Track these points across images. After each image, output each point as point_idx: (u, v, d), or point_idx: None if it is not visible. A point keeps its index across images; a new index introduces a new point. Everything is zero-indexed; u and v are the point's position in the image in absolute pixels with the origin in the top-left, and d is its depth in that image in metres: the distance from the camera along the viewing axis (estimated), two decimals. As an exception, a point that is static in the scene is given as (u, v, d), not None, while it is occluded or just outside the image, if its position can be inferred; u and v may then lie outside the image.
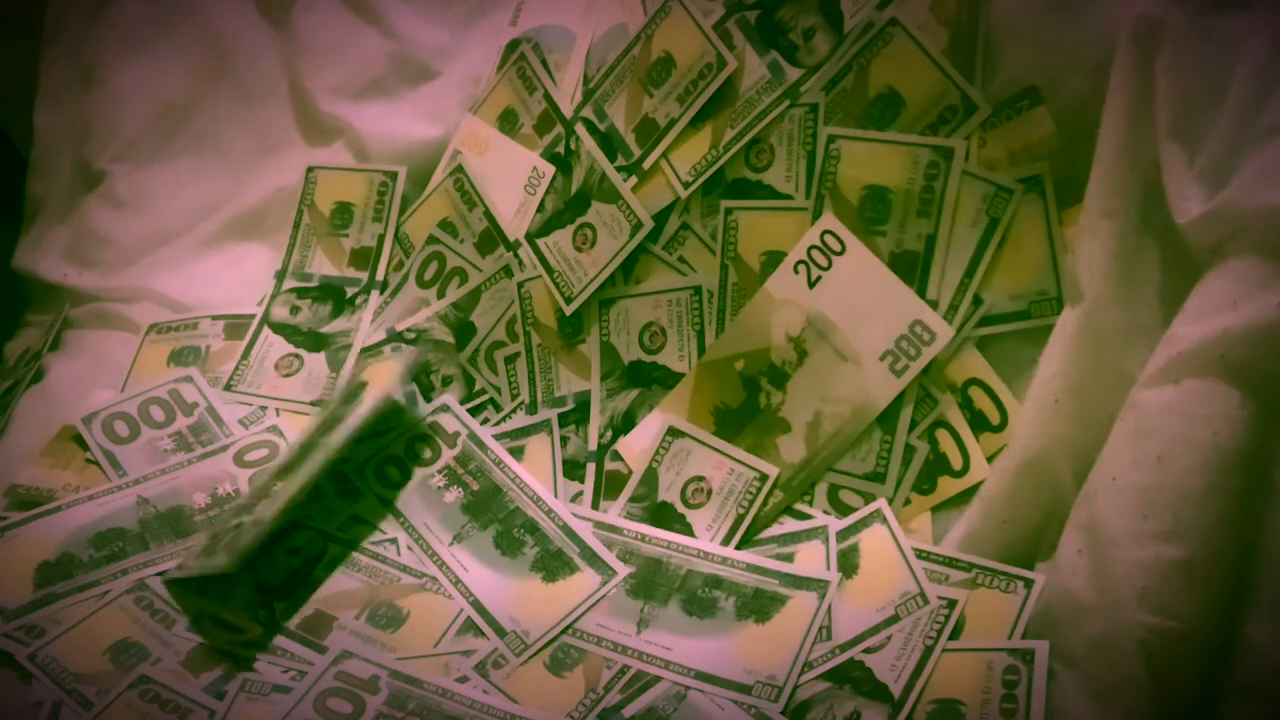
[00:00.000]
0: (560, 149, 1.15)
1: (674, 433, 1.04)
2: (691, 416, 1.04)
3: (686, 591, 0.95)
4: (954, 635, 0.86)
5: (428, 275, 1.18)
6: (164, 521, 1.01)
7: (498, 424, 1.12)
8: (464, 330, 1.16)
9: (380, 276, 1.21)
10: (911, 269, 0.97)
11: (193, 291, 1.25)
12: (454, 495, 1.05)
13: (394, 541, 1.02)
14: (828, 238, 0.99)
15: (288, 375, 1.17)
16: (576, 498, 1.06)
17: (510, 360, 1.14)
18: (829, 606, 0.91)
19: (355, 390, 1.08)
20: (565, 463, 1.08)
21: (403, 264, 1.20)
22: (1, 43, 1.41)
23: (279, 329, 1.20)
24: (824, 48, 1.02)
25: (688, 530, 1.00)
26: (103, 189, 1.31)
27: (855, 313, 0.98)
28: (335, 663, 0.88)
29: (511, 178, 1.17)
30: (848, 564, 0.94)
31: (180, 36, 1.33)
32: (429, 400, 1.11)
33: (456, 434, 1.09)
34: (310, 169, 1.26)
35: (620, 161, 1.10)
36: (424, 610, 0.96)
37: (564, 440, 1.09)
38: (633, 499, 1.04)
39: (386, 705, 0.85)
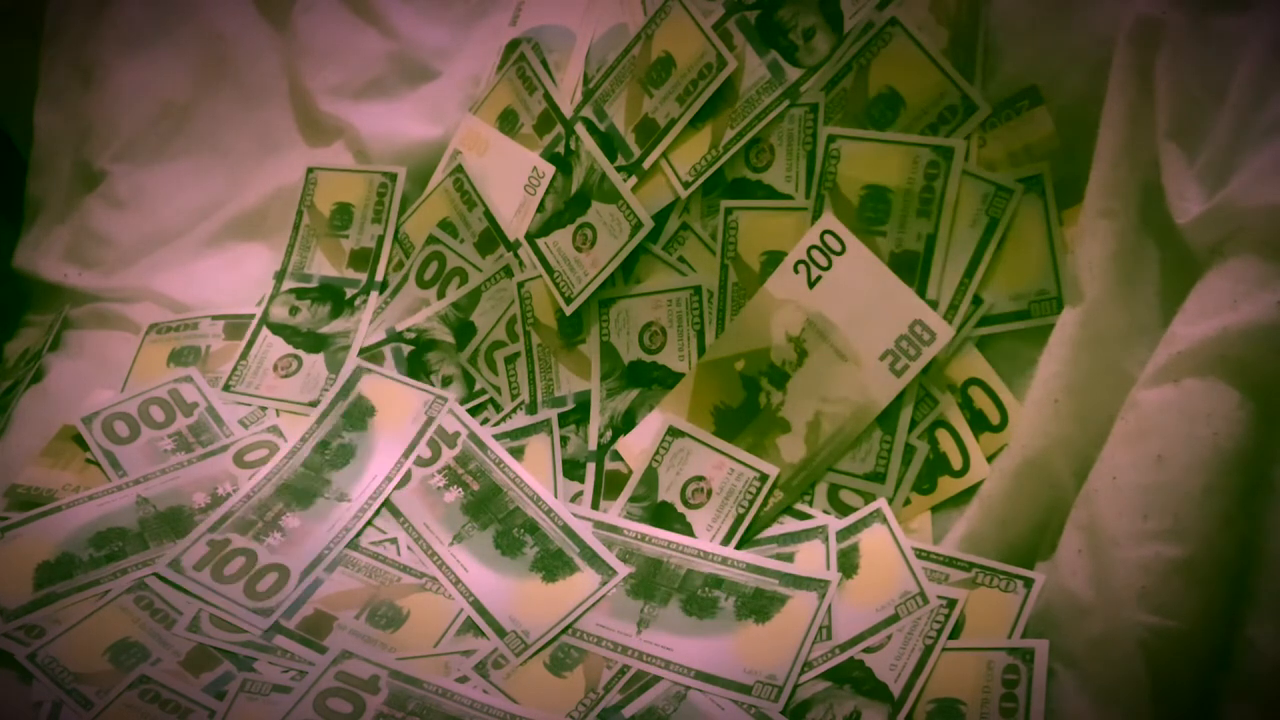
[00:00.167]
0: (560, 149, 1.15)
1: (674, 433, 1.04)
2: (691, 416, 1.04)
3: (686, 591, 0.95)
4: (954, 635, 0.86)
5: (428, 275, 1.18)
6: (164, 521, 1.01)
7: (498, 424, 1.12)
8: (464, 330, 1.16)
9: (379, 277, 1.21)
10: (911, 269, 0.97)
11: (193, 291, 1.25)
12: (454, 495, 1.05)
13: (394, 541, 1.02)
14: (828, 238, 0.99)
15: (286, 376, 1.17)
16: (576, 498, 1.06)
17: (510, 360, 1.14)
18: (829, 606, 0.91)
19: (361, 414, 1.09)
20: (565, 463, 1.08)
21: (402, 264, 1.20)
22: (1, 43, 1.41)
23: (278, 330, 1.20)
24: (824, 48, 1.02)
25: (688, 530, 1.00)
26: (103, 189, 1.31)
27: (855, 313, 0.98)
28: (335, 663, 0.88)
29: (511, 178, 1.17)
30: (848, 564, 0.94)
31: (180, 36, 1.33)
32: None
33: (456, 434, 1.09)
34: (310, 170, 1.26)
35: (620, 161, 1.10)
36: (424, 610, 0.96)
37: (564, 440, 1.09)
38: (633, 499, 1.04)
39: (386, 705, 0.85)
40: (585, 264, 1.10)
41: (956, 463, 0.95)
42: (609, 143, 1.11)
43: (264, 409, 1.14)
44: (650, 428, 1.06)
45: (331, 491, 1.05)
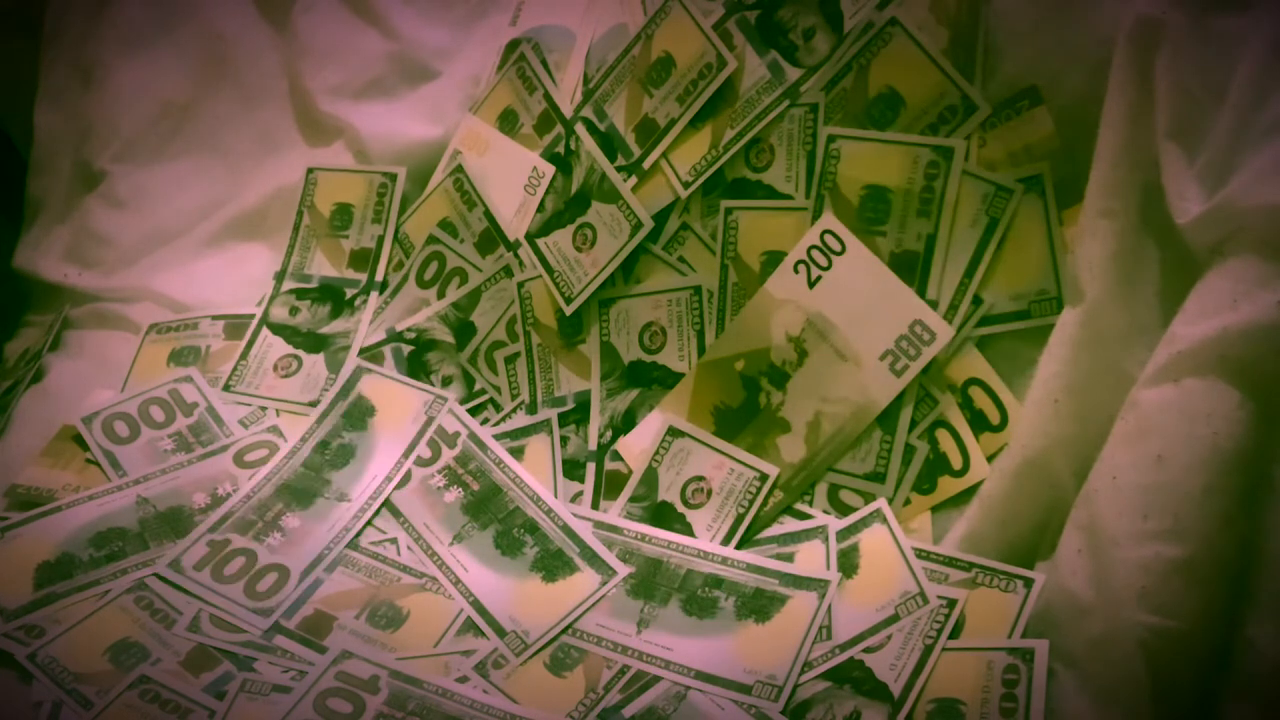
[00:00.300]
0: (560, 149, 1.15)
1: (674, 433, 1.04)
2: (691, 416, 1.04)
3: (686, 591, 0.95)
4: (954, 635, 0.86)
5: (428, 275, 1.18)
6: (164, 521, 1.01)
7: (498, 424, 1.12)
8: (464, 330, 1.16)
9: (379, 277, 1.21)
10: (911, 269, 0.97)
11: (193, 291, 1.25)
12: (454, 495, 1.05)
13: (394, 541, 1.02)
14: (828, 238, 0.99)
15: (286, 376, 1.17)
16: (576, 498, 1.06)
17: (510, 360, 1.14)
18: (829, 606, 0.91)
19: (361, 414, 1.09)
20: (565, 463, 1.08)
21: (403, 264, 1.20)
22: (1, 43, 1.41)
23: (278, 330, 1.20)
24: (824, 48, 1.02)
25: (688, 530, 1.00)
26: (103, 189, 1.31)
27: (855, 313, 0.98)
28: (335, 663, 0.88)
29: (511, 178, 1.17)
30: (848, 564, 0.94)
31: (180, 36, 1.33)
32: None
33: (456, 434, 1.09)
34: (310, 170, 1.26)
35: (620, 161, 1.10)
36: (424, 610, 0.96)
37: (564, 440, 1.09)
38: (633, 499, 1.04)
39: (386, 705, 0.85)
40: (585, 264, 1.10)
41: (956, 463, 0.95)
42: (609, 143, 1.11)
43: (264, 409, 1.14)
44: (650, 428, 1.06)
45: (331, 491, 1.05)
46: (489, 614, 0.95)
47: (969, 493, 0.94)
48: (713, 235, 1.05)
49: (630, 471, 1.05)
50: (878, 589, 0.91)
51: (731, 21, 1.06)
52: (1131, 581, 0.77)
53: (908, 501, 0.97)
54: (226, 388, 1.16)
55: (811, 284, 1.00)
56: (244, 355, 1.18)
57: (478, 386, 1.15)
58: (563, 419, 1.10)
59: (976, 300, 0.95)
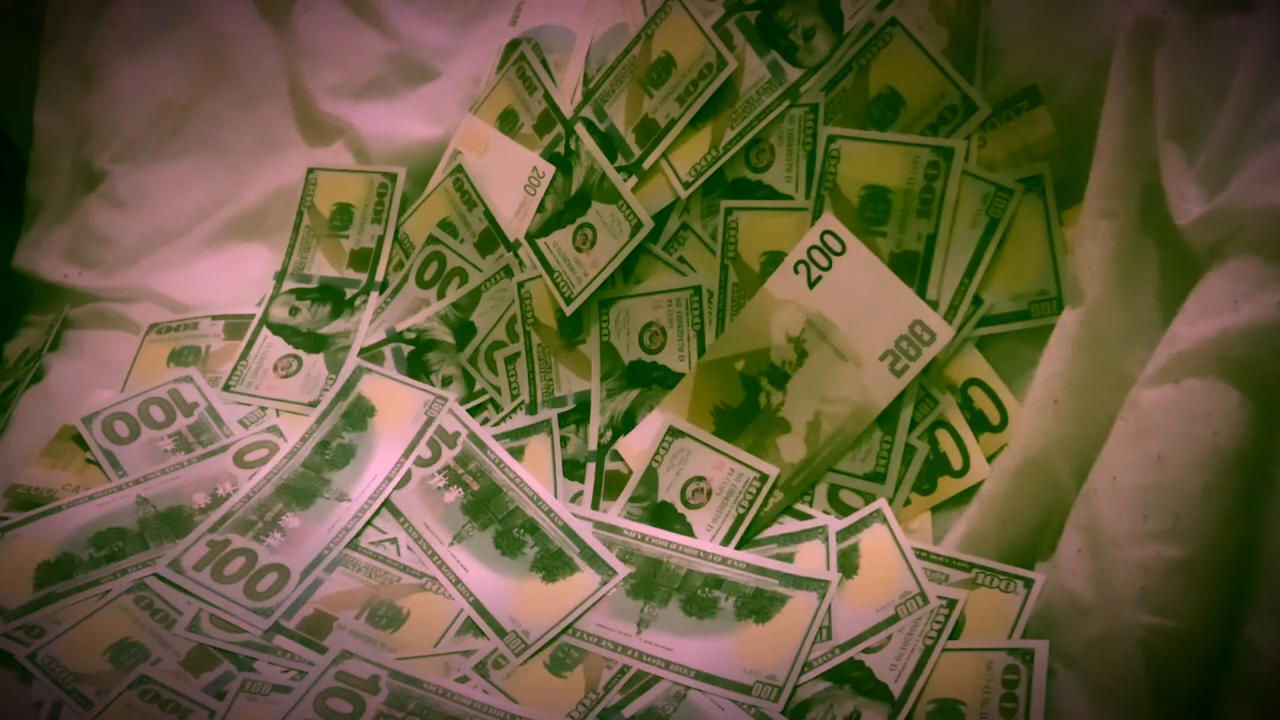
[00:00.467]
0: (560, 149, 1.15)
1: (674, 433, 1.04)
2: (691, 416, 1.04)
3: (686, 591, 0.95)
4: (954, 635, 0.86)
5: (428, 275, 1.18)
6: (164, 521, 1.01)
7: (498, 424, 1.12)
8: (464, 330, 1.16)
9: (379, 278, 1.21)
10: (911, 269, 0.97)
11: (193, 291, 1.25)
12: (454, 495, 1.05)
13: (394, 541, 1.02)
14: (828, 238, 0.99)
15: (286, 376, 1.17)
16: (576, 498, 1.06)
17: (510, 360, 1.14)
18: (829, 606, 0.91)
19: (361, 414, 1.09)
20: (565, 463, 1.08)
21: (402, 264, 1.20)
22: (1, 43, 1.41)
23: (278, 330, 1.20)
24: (824, 48, 1.02)
25: (688, 530, 1.00)
26: (103, 189, 1.31)
27: (855, 313, 0.98)
28: (335, 663, 0.88)
29: (511, 178, 1.17)
30: (848, 564, 0.94)
31: (180, 37, 1.34)
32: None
33: (456, 434, 1.09)
34: (310, 170, 1.26)
35: (620, 161, 1.10)
36: (424, 610, 0.96)
37: (564, 440, 1.09)
38: (633, 499, 1.04)
39: (386, 705, 0.85)
40: (585, 264, 1.10)
41: (956, 463, 0.95)
42: (609, 143, 1.11)
43: (264, 409, 1.14)
44: (650, 428, 1.06)
45: (331, 491, 1.05)
46: (489, 614, 0.95)
47: (969, 493, 0.94)
48: (713, 235, 1.05)
49: (630, 471, 1.05)
50: (878, 589, 0.91)
51: (731, 21, 1.06)
52: (1131, 581, 0.77)
53: (908, 502, 0.97)
54: (226, 388, 1.16)
55: (811, 284, 1.00)
56: (244, 355, 1.18)
57: (478, 386, 1.15)
58: (563, 419, 1.10)
59: (976, 300, 0.95)
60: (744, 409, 1.02)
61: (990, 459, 0.93)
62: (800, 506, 1.00)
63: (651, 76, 1.09)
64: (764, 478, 1.00)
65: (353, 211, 1.24)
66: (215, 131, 1.32)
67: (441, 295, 1.17)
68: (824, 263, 0.99)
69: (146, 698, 0.85)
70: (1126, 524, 0.78)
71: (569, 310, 1.10)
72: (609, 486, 1.06)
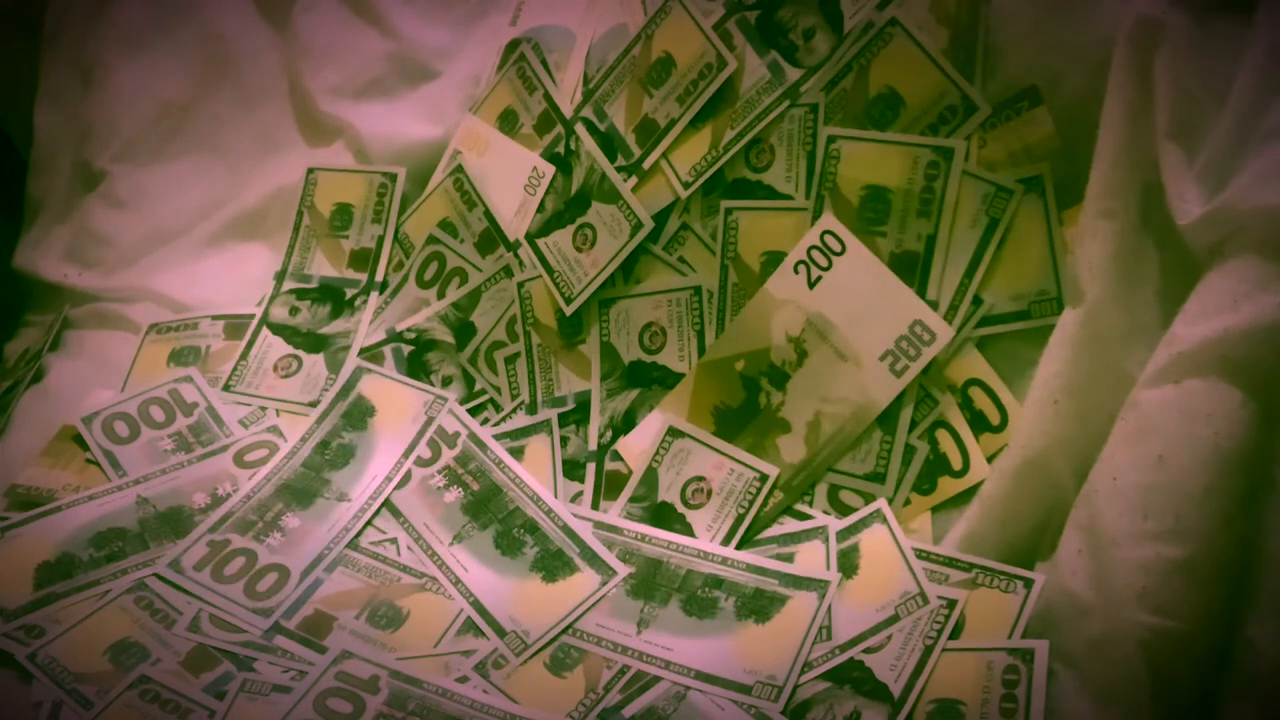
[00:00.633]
0: (560, 149, 1.15)
1: (674, 433, 1.04)
2: (691, 416, 1.04)
3: (686, 591, 0.95)
4: (954, 635, 0.86)
5: (428, 275, 1.18)
6: (164, 521, 1.01)
7: (498, 424, 1.12)
8: (464, 330, 1.16)
9: (379, 277, 1.21)
10: (911, 269, 0.97)
11: (193, 291, 1.25)
12: (454, 495, 1.05)
13: (394, 541, 1.02)
14: (828, 238, 0.99)
15: (286, 376, 1.17)
16: (576, 498, 1.06)
17: (510, 360, 1.14)
18: (829, 606, 0.91)
19: (361, 414, 1.09)
20: (565, 463, 1.08)
21: (402, 264, 1.20)
22: (1, 43, 1.41)
23: (278, 330, 1.20)
24: (824, 48, 1.02)
25: (688, 530, 1.00)
26: (103, 189, 1.31)
27: (855, 313, 0.98)
28: (335, 663, 0.88)
29: (511, 178, 1.17)
30: (848, 564, 0.94)
31: (180, 37, 1.34)
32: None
33: (456, 434, 1.09)
34: (310, 170, 1.26)
35: (620, 161, 1.10)
36: (424, 610, 0.96)
37: (564, 440, 1.09)
38: (633, 499, 1.04)
39: (386, 705, 0.85)
40: (585, 264, 1.10)
41: (956, 463, 0.95)
42: (609, 143, 1.11)
43: (264, 409, 1.14)
44: (650, 428, 1.06)
45: (331, 491, 1.05)
46: (489, 614, 0.95)
47: (969, 493, 0.94)
48: (713, 235, 1.05)
49: (630, 472, 1.05)
50: (878, 589, 0.91)
51: (731, 21, 1.06)
52: (1132, 582, 0.77)
53: (908, 502, 0.97)
54: (226, 388, 1.16)
55: (811, 284, 1.00)
56: (244, 355, 1.18)
57: (478, 386, 1.15)
58: (563, 419, 1.10)
59: (976, 300, 0.95)
60: (744, 409, 1.02)
61: (990, 459, 0.93)
62: (800, 506, 1.00)
63: (651, 76, 1.09)
64: (764, 478, 1.00)
65: (353, 211, 1.24)
66: (215, 131, 1.32)
67: (441, 295, 1.17)
68: (824, 263, 0.99)
69: (146, 698, 0.85)
70: (1127, 524, 0.78)
71: (569, 310, 1.10)
72: (609, 486, 1.06)
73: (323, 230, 1.24)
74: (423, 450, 1.08)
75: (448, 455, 1.07)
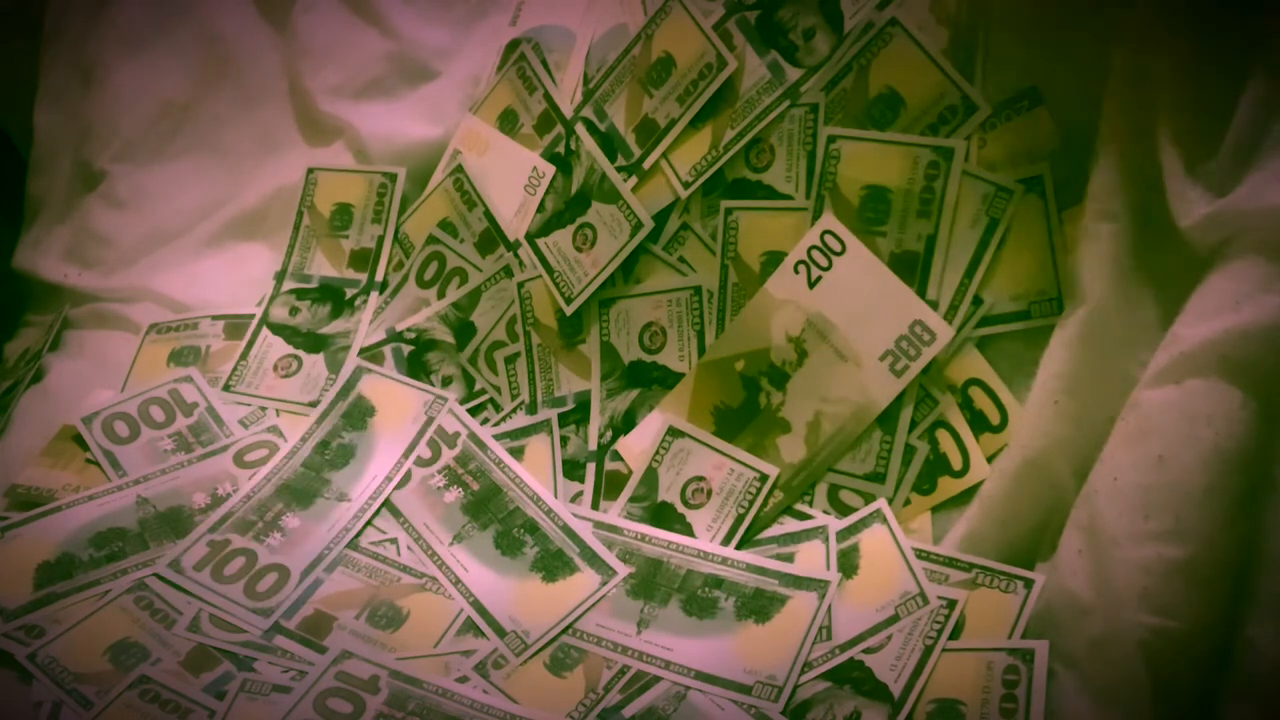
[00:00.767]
0: (560, 149, 1.15)
1: (674, 433, 1.04)
2: (691, 416, 1.04)
3: (686, 591, 0.95)
4: (954, 635, 0.86)
5: (428, 275, 1.18)
6: (164, 521, 1.01)
7: (498, 424, 1.12)
8: (464, 330, 1.16)
9: (379, 278, 1.21)
10: (911, 269, 0.97)
11: (193, 291, 1.25)
12: (454, 495, 1.05)
13: (394, 541, 1.02)
14: (828, 238, 0.99)
15: (286, 376, 1.17)
16: (576, 498, 1.06)
17: (510, 360, 1.14)
18: (829, 606, 0.91)
19: (361, 414, 1.09)
20: (565, 463, 1.08)
21: (402, 264, 1.20)
22: (1, 43, 1.41)
23: (278, 330, 1.20)
24: (824, 48, 1.02)
25: (688, 530, 1.00)
26: (103, 189, 1.31)
27: (855, 313, 0.98)
28: (335, 663, 0.88)
29: (511, 178, 1.17)
30: (848, 564, 0.94)
31: (180, 37, 1.34)
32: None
33: (456, 434, 1.09)
34: (310, 170, 1.26)
35: (620, 161, 1.10)
36: (424, 610, 0.96)
37: (564, 440, 1.09)
38: (633, 499, 1.04)
39: (386, 705, 0.85)
40: (585, 264, 1.10)
41: (956, 463, 0.95)
42: (609, 143, 1.11)
43: (264, 409, 1.14)
44: (650, 428, 1.06)
45: (331, 491, 1.05)
46: (489, 614, 0.95)
47: (969, 493, 0.94)
48: (713, 235, 1.05)
49: (630, 471, 1.05)
50: (878, 589, 0.91)
51: (731, 21, 1.06)
52: (1132, 582, 0.77)
53: (908, 502, 0.97)
54: (226, 388, 1.16)
55: (811, 284, 1.00)
56: (244, 355, 1.18)
57: (478, 386, 1.15)
58: (563, 419, 1.10)
59: (976, 300, 0.95)
60: (744, 409, 1.02)
61: (990, 459, 0.93)
62: (800, 506, 1.00)
63: (651, 76, 1.09)
64: (764, 478, 1.00)
65: (353, 211, 1.24)
66: (215, 131, 1.32)
67: (441, 295, 1.17)
68: (824, 263, 0.99)
69: (146, 698, 0.85)
70: (1127, 524, 0.78)
71: (569, 310, 1.10)
72: (609, 486, 1.06)
73: (323, 230, 1.24)
74: (423, 450, 1.08)
75: (448, 455, 1.07)
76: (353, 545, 1.01)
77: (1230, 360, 0.77)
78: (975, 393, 0.95)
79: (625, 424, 1.07)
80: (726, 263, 1.05)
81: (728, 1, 1.07)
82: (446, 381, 1.15)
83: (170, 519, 1.02)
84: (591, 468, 1.07)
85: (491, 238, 1.17)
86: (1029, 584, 0.87)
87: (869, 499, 0.98)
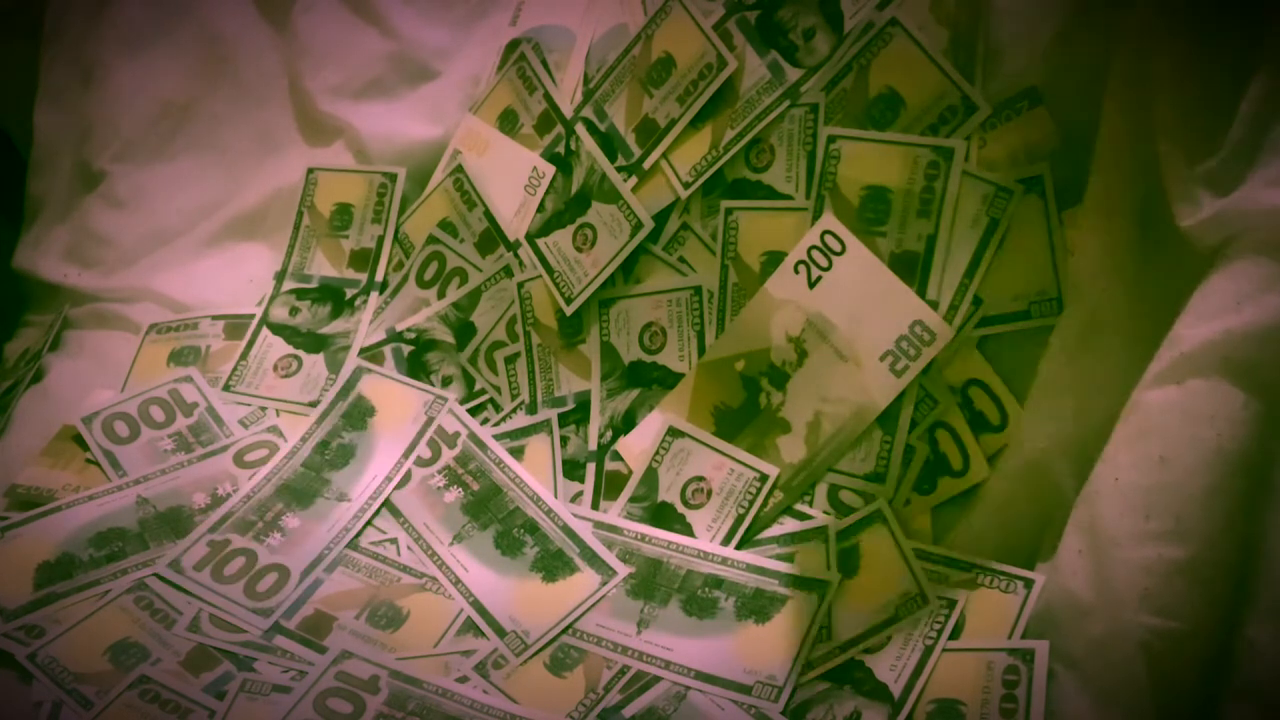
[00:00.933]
0: (560, 149, 1.15)
1: (674, 433, 1.04)
2: (691, 416, 1.04)
3: (686, 592, 0.95)
4: (954, 635, 0.86)
5: (428, 275, 1.18)
6: (164, 521, 1.01)
7: (498, 424, 1.12)
8: (464, 330, 1.16)
9: (379, 277, 1.21)
10: (911, 269, 0.97)
11: (193, 291, 1.25)
12: (454, 495, 1.05)
13: (394, 541, 1.02)
14: (828, 238, 0.99)
15: (286, 376, 1.17)
16: (576, 498, 1.06)
17: (510, 360, 1.14)
18: (829, 606, 0.91)
19: (361, 414, 1.09)
20: (565, 463, 1.08)
21: (402, 264, 1.20)
22: (1, 43, 1.41)
23: (278, 330, 1.20)
24: (824, 48, 1.02)
25: (688, 530, 1.00)
26: (103, 189, 1.31)
27: (855, 313, 0.98)
28: (335, 663, 0.88)
29: (511, 178, 1.17)
30: (848, 564, 0.94)
31: (180, 36, 1.33)
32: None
33: (456, 434, 1.09)
34: (310, 170, 1.26)
35: (620, 161, 1.10)
36: (424, 610, 0.96)
37: (564, 440, 1.09)
38: (633, 499, 1.04)
39: (386, 705, 0.85)
40: (585, 264, 1.10)
41: (956, 463, 0.95)
42: (609, 143, 1.11)
43: (264, 409, 1.14)
44: (650, 428, 1.06)
45: (331, 491, 1.05)
46: (489, 614, 0.95)
47: (969, 493, 0.94)
48: (713, 235, 1.05)
49: (630, 472, 1.05)
50: (878, 589, 0.91)
51: (731, 21, 1.06)
52: (1133, 582, 0.76)
53: (908, 502, 0.97)
54: (226, 388, 1.16)
55: (811, 284, 1.00)
56: (244, 355, 1.18)
57: (478, 386, 1.14)
58: (563, 419, 1.10)
59: (976, 301, 0.95)
60: (744, 409, 1.02)
61: (990, 459, 0.93)
62: (800, 506, 1.00)
63: (651, 76, 1.09)
64: (764, 478, 1.00)
65: (353, 211, 1.24)
66: (215, 131, 1.32)
67: (441, 295, 1.17)
68: (824, 263, 0.99)
69: (146, 698, 0.85)
70: (1128, 525, 0.78)
71: (569, 310, 1.10)
72: (609, 486, 1.06)
73: (323, 230, 1.24)
74: (423, 450, 1.08)
75: (448, 455, 1.07)
76: (353, 545, 1.01)
77: (1232, 361, 0.77)
78: (975, 393, 0.95)
79: (625, 424, 1.07)
80: (726, 263, 1.05)
81: (728, 1, 1.07)
82: (446, 381, 1.15)
83: (170, 519, 1.02)
84: (591, 468, 1.07)
85: (491, 238, 1.17)
86: (1029, 584, 0.87)
87: (869, 499, 0.98)
